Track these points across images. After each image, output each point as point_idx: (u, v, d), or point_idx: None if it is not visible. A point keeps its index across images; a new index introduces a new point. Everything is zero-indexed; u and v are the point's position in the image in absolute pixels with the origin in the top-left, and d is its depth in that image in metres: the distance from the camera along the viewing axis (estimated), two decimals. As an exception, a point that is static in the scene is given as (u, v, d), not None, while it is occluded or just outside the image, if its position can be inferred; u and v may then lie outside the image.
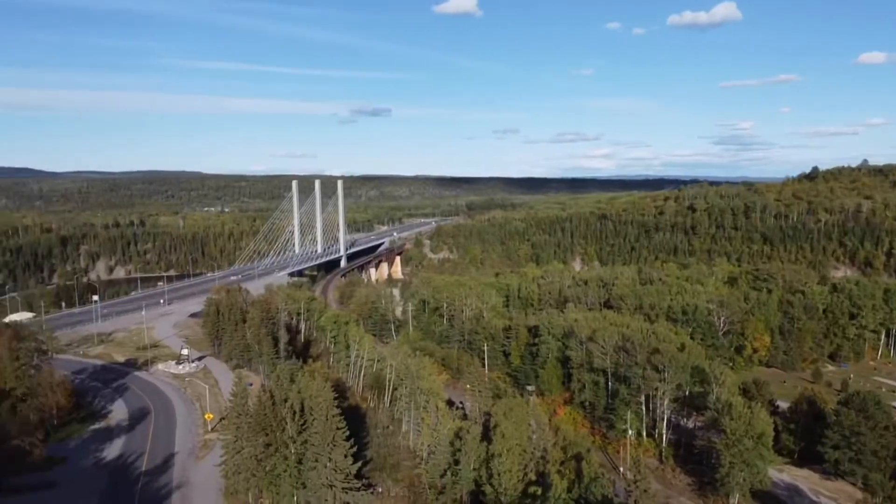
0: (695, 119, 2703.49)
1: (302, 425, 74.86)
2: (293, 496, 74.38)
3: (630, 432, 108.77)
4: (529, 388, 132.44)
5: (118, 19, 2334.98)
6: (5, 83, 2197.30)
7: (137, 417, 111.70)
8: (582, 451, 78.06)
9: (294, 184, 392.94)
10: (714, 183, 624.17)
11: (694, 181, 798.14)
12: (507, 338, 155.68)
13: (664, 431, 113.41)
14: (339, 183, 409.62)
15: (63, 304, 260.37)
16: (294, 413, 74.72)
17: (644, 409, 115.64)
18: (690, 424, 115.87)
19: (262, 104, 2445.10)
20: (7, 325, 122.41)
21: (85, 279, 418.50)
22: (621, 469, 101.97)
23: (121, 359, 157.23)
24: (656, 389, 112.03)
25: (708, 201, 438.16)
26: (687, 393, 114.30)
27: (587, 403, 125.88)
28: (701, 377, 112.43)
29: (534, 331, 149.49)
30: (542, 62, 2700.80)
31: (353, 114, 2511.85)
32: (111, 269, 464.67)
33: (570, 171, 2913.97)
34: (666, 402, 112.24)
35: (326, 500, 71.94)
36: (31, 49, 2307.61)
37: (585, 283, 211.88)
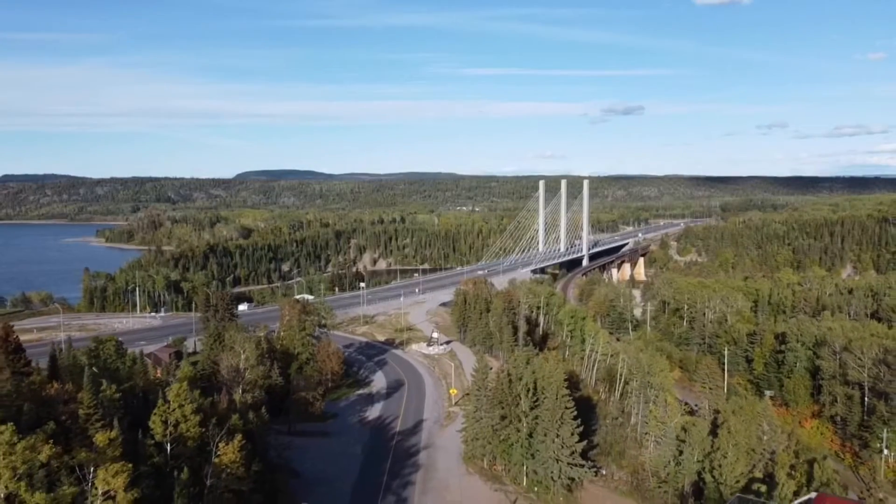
0: None
1: (534, 402, 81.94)
2: (523, 465, 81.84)
3: (886, 452, 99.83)
4: (768, 393, 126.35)
5: (391, 35, 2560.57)
6: (297, 98, 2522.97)
7: (394, 387, 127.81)
8: (817, 457, 75.08)
9: (541, 184, 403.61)
10: None
11: None
12: (751, 343, 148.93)
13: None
14: (585, 183, 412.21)
15: (336, 289, 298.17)
16: (528, 390, 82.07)
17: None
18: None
19: (517, 107, 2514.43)
20: (297, 300, 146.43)
21: (354, 269, 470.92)
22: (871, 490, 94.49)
23: (381, 338, 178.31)
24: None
25: None
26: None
27: (838, 418, 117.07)
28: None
29: (781, 337, 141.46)
30: (819, 48, 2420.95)
31: (605, 113, 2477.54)
32: (375, 261, 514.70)
33: (849, 168, 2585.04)
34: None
35: (552, 472, 78.26)
36: (316, 67, 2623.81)
37: (850, 291, 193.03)
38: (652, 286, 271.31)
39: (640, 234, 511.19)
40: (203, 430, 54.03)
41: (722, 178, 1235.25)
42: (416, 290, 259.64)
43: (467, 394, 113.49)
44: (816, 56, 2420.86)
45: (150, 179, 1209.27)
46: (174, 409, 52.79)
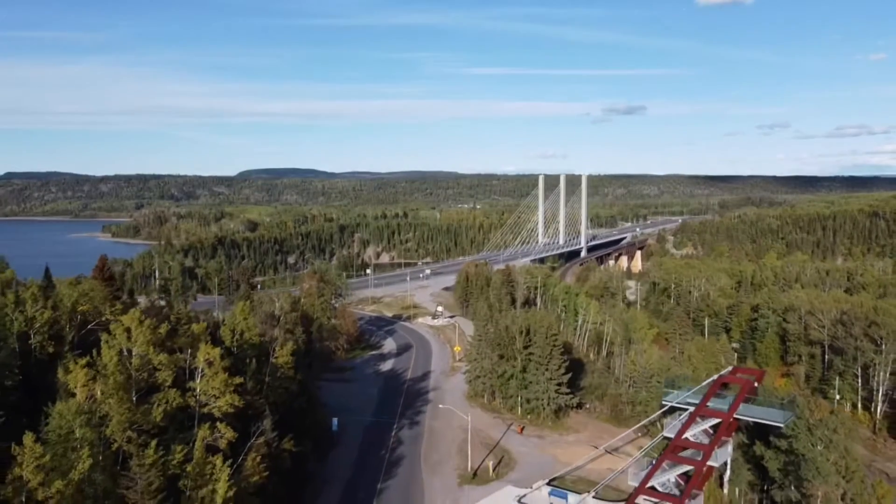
0: None
1: (527, 342, 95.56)
2: (518, 396, 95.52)
3: (838, 397, 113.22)
4: (734, 345, 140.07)
5: (394, 34, 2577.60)
6: (299, 97, 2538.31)
7: (403, 349, 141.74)
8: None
9: (540, 178, 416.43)
10: None
11: None
12: (730, 315, 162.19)
13: (880, 404, 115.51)
14: (584, 177, 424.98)
15: (343, 274, 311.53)
16: (521, 332, 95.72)
17: (860, 382, 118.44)
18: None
19: (518, 107, 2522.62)
20: (315, 271, 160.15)
21: (359, 261, 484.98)
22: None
23: (389, 314, 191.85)
24: (873, 361, 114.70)
25: None
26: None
27: (804, 375, 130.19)
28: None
29: (756, 309, 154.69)
30: (822, 48, 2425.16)
31: (606, 113, 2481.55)
32: (378, 255, 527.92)
33: (849, 168, 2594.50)
34: (882, 375, 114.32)
35: (543, 400, 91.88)
36: (319, 66, 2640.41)
37: (827, 272, 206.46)
38: (646, 274, 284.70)
39: (637, 230, 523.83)
40: (262, 338, 67.69)
41: (722, 178, 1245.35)
42: (421, 276, 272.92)
43: (468, 354, 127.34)
44: (818, 56, 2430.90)
45: (154, 177, 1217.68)
46: (239, 322, 66.24)
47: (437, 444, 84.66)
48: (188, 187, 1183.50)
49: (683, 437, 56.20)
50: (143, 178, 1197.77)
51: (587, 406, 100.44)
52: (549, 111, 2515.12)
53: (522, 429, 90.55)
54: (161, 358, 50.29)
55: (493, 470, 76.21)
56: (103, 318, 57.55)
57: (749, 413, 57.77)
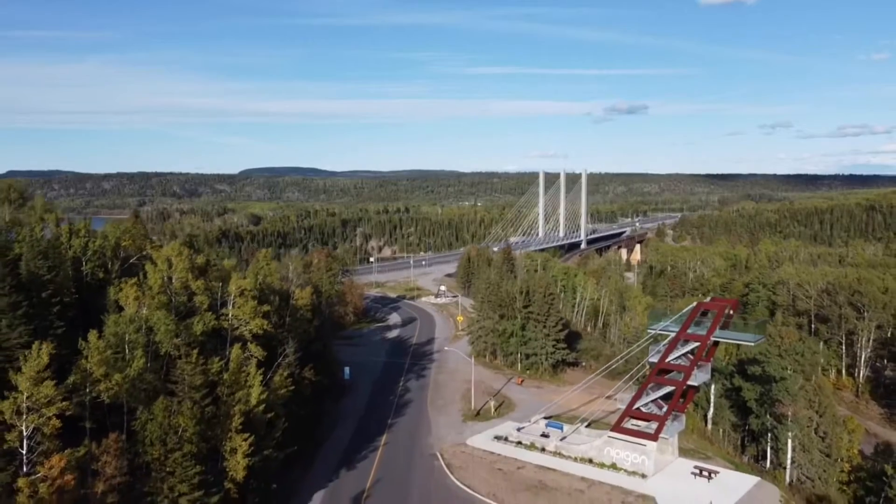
0: None
1: (527, 301, 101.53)
2: (518, 353, 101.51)
3: (822, 360, 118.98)
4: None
5: (397, 34, 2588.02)
6: (301, 96, 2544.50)
7: (408, 321, 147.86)
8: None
9: (541, 172, 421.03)
10: None
11: None
12: (723, 292, 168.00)
13: (862, 369, 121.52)
14: (584, 172, 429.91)
15: (346, 262, 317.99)
16: (521, 292, 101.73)
17: (844, 349, 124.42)
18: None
19: (520, 106, 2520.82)
20: (322, 247, 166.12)
21: (361, 255, 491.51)
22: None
23: (393, 295, 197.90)
24: (857, 328, 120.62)
25: None
26: (890, 334, 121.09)
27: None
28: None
29: (748, 285, 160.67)
30: (823, 48, 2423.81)
31: (608, 112, 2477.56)
32: (380, 249, 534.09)
33: (852, 168, 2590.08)
34: (864, 341, 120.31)
35: (540, 356, 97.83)
36: (321, 65, 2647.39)
37: (819, 255, 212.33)
38: (644, 262, 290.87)
39: (637, 224, 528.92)
40: (282, 284, 73.89)
41: (723, 176, 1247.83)
42: (423, 263, 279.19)
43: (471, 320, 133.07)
44: (820, 56, 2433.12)
45: (156, 174, 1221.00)
46: (262, 267, 72.35)
47: (442, 391, 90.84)
48: (190, 185, 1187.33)
49: (666, 361, 62.11)
50: (145, 176, 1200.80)
51: (583, 364, 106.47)
52: (551, 111, 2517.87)
53: (522, 380, 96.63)
54: (199, 284, 56.39)
55: (495, 410, 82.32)
56: (144, 253, 63.85)
57: (725, 336, 63.86)
